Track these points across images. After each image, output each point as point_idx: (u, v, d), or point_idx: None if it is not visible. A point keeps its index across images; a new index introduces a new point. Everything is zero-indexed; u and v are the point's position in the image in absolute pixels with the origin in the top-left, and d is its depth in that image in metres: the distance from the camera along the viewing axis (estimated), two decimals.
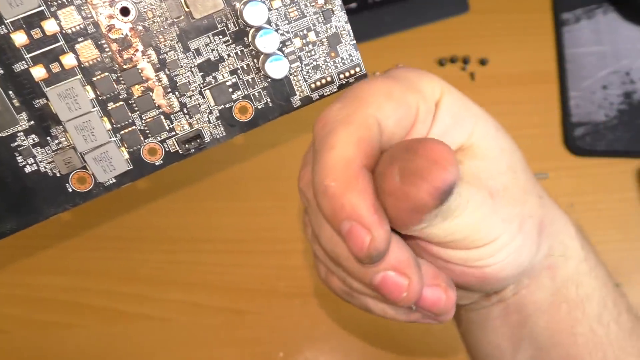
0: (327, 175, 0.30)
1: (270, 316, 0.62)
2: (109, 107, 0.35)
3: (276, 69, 0.36)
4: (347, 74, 0.38)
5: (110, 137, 0.36)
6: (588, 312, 0.37)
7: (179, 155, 0.37)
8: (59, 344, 0.61)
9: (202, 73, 0.36)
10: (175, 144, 0.37)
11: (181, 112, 0.36)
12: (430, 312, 0.33)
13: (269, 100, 0.37)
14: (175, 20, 0.35)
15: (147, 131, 0.36)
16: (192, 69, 0.36)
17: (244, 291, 0.63)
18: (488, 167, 0.33)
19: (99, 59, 0.35)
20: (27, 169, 0.35)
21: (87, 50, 0.34)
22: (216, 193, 0.66)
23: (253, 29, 0.36)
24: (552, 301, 0.37)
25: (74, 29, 0.34)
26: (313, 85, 0.38)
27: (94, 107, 0.35)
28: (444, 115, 0.33)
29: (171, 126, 0.36)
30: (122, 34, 0.35)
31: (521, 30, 0.74)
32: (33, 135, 0.35)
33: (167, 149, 0.37)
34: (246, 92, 0.37)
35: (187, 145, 0.37)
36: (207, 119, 0.37)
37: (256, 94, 0.37)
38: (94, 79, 0.35)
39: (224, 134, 0.37)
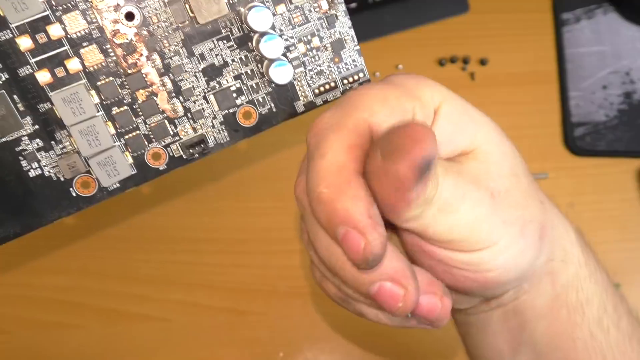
0: (320, 183, 0.30)
1: (271, 316, 0.62)
2: (114, 112, 0.35)
3: (280, 74, 0.36)
4: (350, 79, 0.38)
5: (115, 142, 0.36)
6: (588, 317, 0.37)
7: (182, 160, 0.37)
8: (59, 344, 0.61)
9: (206, 78, 0.36)
10: (179, 148, 0.37)
11: (185, 117, 0.36)
12: (425, 319, 0.33)
13: (272, 105, 0.37)
14: (180, 25, 0.35)
15: (151, 136, 0.36)
16: (197, 73, 0.36)
17: (245, 291, 0.63)
18: (489, 169, 0.33)
19: (103, 64, 0.35)
20: (31, 173, 0.35)
21: (92, 55, 0.34)
22: (217, 193, 0.66)
23: (257, 34, 0.36)
24: (552, 306, 0.37)
25: (78, 34, 0.34)
26: (317, 91, 0.38)
27: (98, 111, 0.35)
28: (444, 122, 0.33)
29: (175, 131, 0.37)
30: (127, 39, 0.35)
31: (521, 30, 0.74)
32: (37, 140, 0.35)
33: (171, 154, 0.37)
34: (250, 97, 0.37)
35: (191, 150, 0.37)
36: (211, 123, 0.37)
37: (260, 99, 0.37)
38: (99, 83, 0.35)
39: (228, 139, 0.37)
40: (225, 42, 0.36)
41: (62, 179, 0.36)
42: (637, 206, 0.67)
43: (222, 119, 0.37)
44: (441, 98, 0.33)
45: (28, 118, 0.34)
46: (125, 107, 0.35)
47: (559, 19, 0.74)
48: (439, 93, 0.33)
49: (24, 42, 0.33)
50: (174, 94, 0.36)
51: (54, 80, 0.34)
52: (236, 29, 0.36)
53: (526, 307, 0.37)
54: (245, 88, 0.37)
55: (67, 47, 0.34)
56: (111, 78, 0.35)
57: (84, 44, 0.34)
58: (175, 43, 0.35)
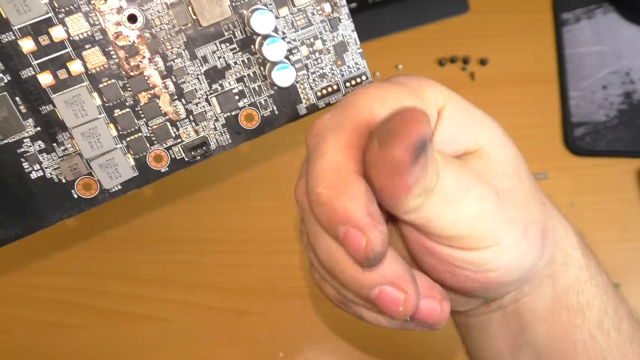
0: (319, 183, 0.30)
1: (271, 316, 0.62)
2: (116, 114, 0.35)
3: (283, 77, 0.36)
4: (353, 82, 0.38)
5: (117, 144, 0.36)
6: (588, 320, 0.37)
7: (184, 162, 0.37)
8: (59, 345, 0.61)
9: (208, 80, 0.36)
10: (181, 151, 0.37)
11: (187, 119, 0.36)
12: (425, 323, 0.33)
13: (275, 108, 0.37)
14: (183, 27, 0.35)
15: (153, 138, 0.36)
16: (199, 76, 0.36)
17: (245, 292, 0.63)
18: (493, 168, 0.33)
19: (106, 66, 0.35)
20: (33, 175, 0.35)
21: (94, 57, 0.34)
22: (218, 194, 0.66)
23: (260, 37, 0.36)
24: (553, 308, 0.37)
25: (81, 36, 0.34)
26: (319, 93, 0.38)
27: (100, 113, 0.35)
28: (448, 123, 0.33)
29: (177, 133, 0.37)
30: (130, 41, 0.35)
31: (521, 30, 0.74)
32: (39, 142, 0.35)
33: (173, 156, 0.37)
34: (252, 100, 0.37)
35: (193, 153, 0.37)
36: (213, 126, 0.37)
37: (262, 101, 0.37)
38: (101, 85, 0.35)
39: (230, 141, 0.37)
40: (227, 44, 0.36)
41: (63, 180, 0.36)
42: (637, 206, 0.67)
43: (224, 122, 0.37)
44: (444, 99, 0.33)
45: (30, 120, 0.34)
46: (128, 110, 0.35)
47: (559, 19, 0.74)
48: (442, 94, 0.33)
49: (27, 44, 0.33)
50: (176, 97, 0.36)
51: (56, 83, 0.34)
52: (239, 32, 0.36)
53: (527, 309, 0.37)
54: (247, 90, 0.37)
55: (69, 49, 0.34)
56: (113, 80, 0.35)
57: (87, 46, 0.34)
58: (178, 45, 0.35)
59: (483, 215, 0.31)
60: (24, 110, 0.34)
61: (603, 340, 0.37)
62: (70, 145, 0.35)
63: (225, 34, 0.36)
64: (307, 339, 0.62)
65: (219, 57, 0.36)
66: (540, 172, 0.67)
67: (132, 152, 0.36)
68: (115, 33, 0.34)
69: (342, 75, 0.38)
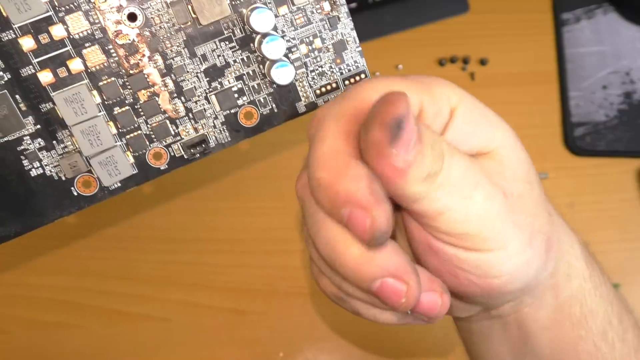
0: (320, 168, 0.30)
1: (271, 316, 0.62)
2: (115, 112, 0.35)
3: (282, 75, 0.36)
4: (352, 80, 0.38)
5: (116, 142, 0.36)
6: (592, 330, 0.37)
7: (184, 159, 0.37)
8: (59, 345, 0.61)
9: (208, 78, 0.36)
10: (181, 148, 0.37)
11: (187, 117, 0.37)
12: (425, 316, 0.33)
13: (274, 106, 0.37)
14: (182, 26, 0.35)
15: (153, 136, 0.36)
16: (198, 74, 0.36)
17: (245, 291, 0.63)
18: (504, 171, 0.33)
19: (105, 64, 0.35)
20: (33, 173, 0.35)
21: (94, 56, 0.34)
22: (217, 193, 0.66)
23: (259, 35, 0.36)
24: (555, 318, 0.37)
25: (81, 34, 0.34)
26: (318, 91, 0.38)
27: (100, 111, 0.35)
28: (461, 122, 0.32)
29: (177, 131, 0.37)
30: (129, 40, 0.35)
31: (521, 30, 0.74)
32: (39, 139, 0.35)
33: (172, 154, 0.37)
34: (252, 98, 0.37)
35: (192, 150, 0.37)
36: (212, 124, 0.37)
37: (261, 99, 0.37)
38: (101, 83, 0.35)
39: (229, 139, 0.37)
40: (227, 43, 0.36)
41: (63, 178, 0.36)
42: (637, 206, 0.67)
43: (223, 119, 0.37)
44: (458, 98, 0.33)
45: (30, 118, 0.34)
46: (127, 107, 0.35)
47: (559, 19, 0.74)
48: (455, 93, 0.33)
49: (27, 43, 0.33)
50: (175, 95, 0.36)
51: (56, 81, 0.34)
52: (238, 30, 0.36)
53: (529, 319, 0.37)
54: (246, 89, 0.37)
55: (69, 47, 0.34)
56: (113, 78, 0.35)
57: (87, 45, 0.34)
58: (178, 44, 0.35)
59: (491, 214, 0.31)
60: (24, 108, 0.34)
61: (607, 350, 0.37)
62: (70, 142, 0.35)
63: (225, 32, 0.36)
64: (307, 338, 0.62)
65: (219, 56, 0.36)
66: (540, 172, 0.67)
67: (131, 150, 0.36)
68: (115, 31, 0.34)
69: (341, 73, 0.38)
